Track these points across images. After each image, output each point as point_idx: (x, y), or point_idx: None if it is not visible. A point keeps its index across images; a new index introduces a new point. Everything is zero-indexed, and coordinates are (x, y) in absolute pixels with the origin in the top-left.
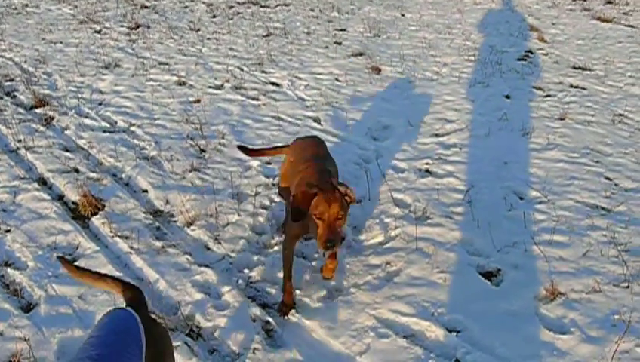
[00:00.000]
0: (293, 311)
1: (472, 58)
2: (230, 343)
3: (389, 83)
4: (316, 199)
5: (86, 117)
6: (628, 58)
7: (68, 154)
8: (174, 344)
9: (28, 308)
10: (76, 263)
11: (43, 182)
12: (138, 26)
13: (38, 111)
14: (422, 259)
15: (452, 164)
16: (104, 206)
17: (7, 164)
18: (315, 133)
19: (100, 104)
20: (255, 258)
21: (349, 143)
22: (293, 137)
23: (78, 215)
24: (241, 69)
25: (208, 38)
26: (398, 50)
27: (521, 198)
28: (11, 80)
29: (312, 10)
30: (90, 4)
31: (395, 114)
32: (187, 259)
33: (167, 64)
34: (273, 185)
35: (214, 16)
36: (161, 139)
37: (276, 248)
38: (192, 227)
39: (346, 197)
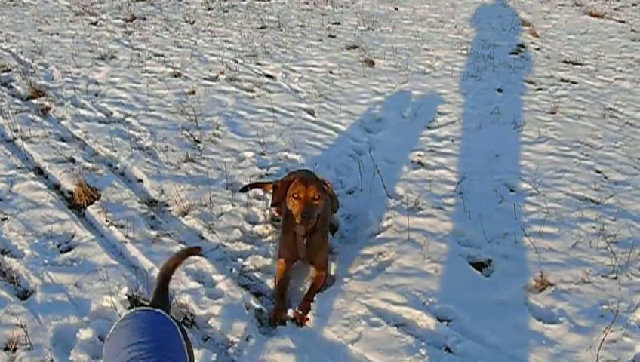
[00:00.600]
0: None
1: (465, 52)
2: (224, 331)
3: (383, 76)
4: (295, 182)
5: (82, 107)
6: (618, 53)
7: (64, 144)
8: None
9: (24, 295)
10: (71, 252)
11: (39, 171)
12: (134, 18)
13: (34, 101)
14: (414, 249)
15: (444, 156)
16: (100, 195)
17: (3, 153)
18: (309, 124)
19: (96, 95)
20: (249, 247)
21: (343, 135)
22: (287, 129)
23: (74, 204)
24: (236, 61)
25: (203, 31)
26: (392, 44)
27: (511, 190)
28: (8, 70)
29: (307, 3)
30: None
31: (388, 106)
32: (182, 247)
33: (162, 56)
34: (267, 175)
35: (209, 9)
36: (157, 130)
37: (269, 238)
38: (186, 216)
39: (324, 185)
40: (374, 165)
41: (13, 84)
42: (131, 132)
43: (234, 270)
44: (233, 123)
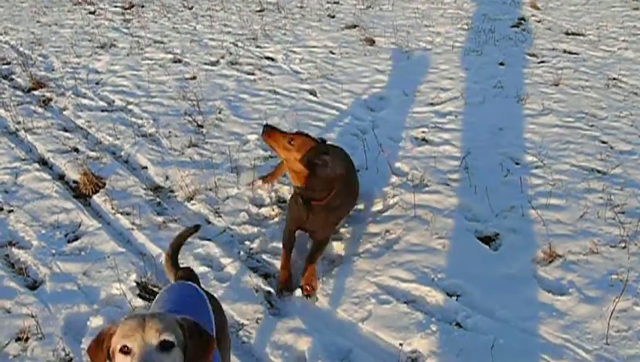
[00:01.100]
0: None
1: (466, 27)
2: (234, 314)
3: (384, 54)
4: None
5: (83, 97)
6: (621, 22)
7: (67, 134)
8: None
9: (34, 285)
10: (79, 241)
11: (43, 162)
12: (132, 6)
13: (35, 93)
14: (420, 225)
15: (448, 132)
16: (104, 184)
17: (7, 145)
18: (311, 105)
19: (97, 84)
20: (255, 230)
21: (346, 115)
22: (289, 110)
23: (80, 193)
24: (236, 45)
25: (202, 15)
26: (392, 21)
27: (517, 163)
28: (8, 63)
29: None
30: None
31: (390, 84)
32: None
33: (162, 42)
34: (271, 157)
35: None
36: (159, 117)
37: (276, 219)
38: (192, 201)
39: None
40: (378, 143)
41: (13, 76)
42: (134, 119)
43: (241, 253)
44: (235, 106)
